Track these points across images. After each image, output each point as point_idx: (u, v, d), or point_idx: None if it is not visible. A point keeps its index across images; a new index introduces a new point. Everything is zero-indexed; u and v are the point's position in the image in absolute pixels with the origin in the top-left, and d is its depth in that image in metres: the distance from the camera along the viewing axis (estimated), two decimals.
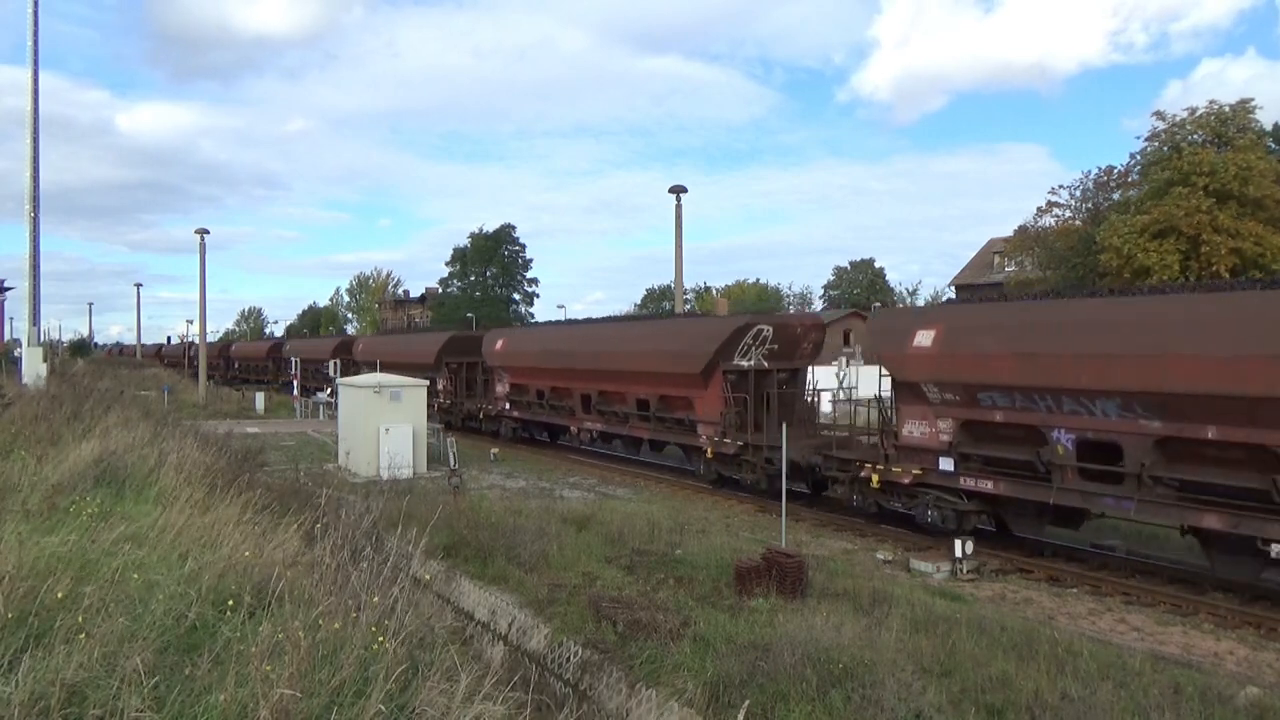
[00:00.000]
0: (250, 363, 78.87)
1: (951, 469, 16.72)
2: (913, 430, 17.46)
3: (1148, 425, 13.67)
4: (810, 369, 23.76)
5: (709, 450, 22.95)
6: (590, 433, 29.20)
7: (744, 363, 22.44)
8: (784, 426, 17.26)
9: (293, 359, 59.07)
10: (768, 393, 21.69)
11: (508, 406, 33.88)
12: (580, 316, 74.16)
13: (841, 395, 24.33)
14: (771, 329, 23.01)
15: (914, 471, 17.32)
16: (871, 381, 20.44)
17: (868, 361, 20.85)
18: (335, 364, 49.18)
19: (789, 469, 20.01)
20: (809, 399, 23.40)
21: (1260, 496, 12.58)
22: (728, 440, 22.21)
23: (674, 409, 24.90)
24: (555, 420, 31.54)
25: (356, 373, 43.41)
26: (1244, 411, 12.40)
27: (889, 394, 18.59)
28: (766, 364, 22.58)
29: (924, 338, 17.06)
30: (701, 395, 23.31)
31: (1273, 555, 12.47)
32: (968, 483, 16.52)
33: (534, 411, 32.54)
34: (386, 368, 39.14)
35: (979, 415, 16.26)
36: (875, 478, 18.02)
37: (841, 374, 26.43)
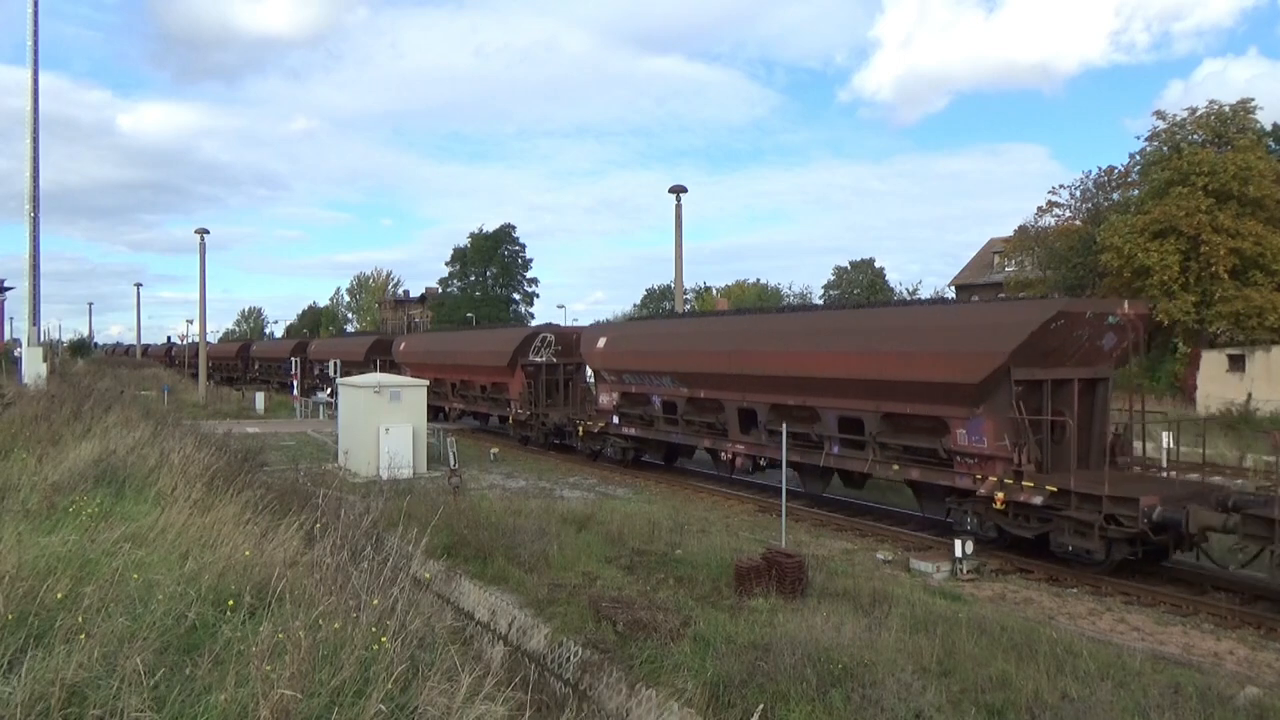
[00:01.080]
0: (221, 362, 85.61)
1: (617, 422, 26.97)
2: (602, 399, 28.01)
3: (681, 390, 24.08)
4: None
5: (512, 418, 33.78)
6: (457, 410, 39.70)
7: (537, 359, 32.26)
8: (782, 435, 17.32)
9: (293, 360, 60.11)
10: (556, 380, 32.25)
11: None
12: (579, 318, 74.74)
13: None
14: (554, 336, 33.07)
15: (601, 425, 27.71)
16: None
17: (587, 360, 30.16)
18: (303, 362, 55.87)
19: (555, 432, 31.24)
20: (586, 384, 32.60)
21: (714, 430, 23.24)
22: (522, 411, 32.81)
23: (499, 391, 35.20)
24: (437, 403, 40.34)
25: (314, 369, 54.01)
26: (711, 381, 22.70)
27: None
28: (556, 360, 32.24)
29: (601, 343, 27.78)
30: (511, 381, 33.68)
31: (716, 458, 23.49)
32: (625, 430, 26.71)
33: None
34: None
35: (627, 389, 26.58)
36: (582, 430, 28.57)
37: None
